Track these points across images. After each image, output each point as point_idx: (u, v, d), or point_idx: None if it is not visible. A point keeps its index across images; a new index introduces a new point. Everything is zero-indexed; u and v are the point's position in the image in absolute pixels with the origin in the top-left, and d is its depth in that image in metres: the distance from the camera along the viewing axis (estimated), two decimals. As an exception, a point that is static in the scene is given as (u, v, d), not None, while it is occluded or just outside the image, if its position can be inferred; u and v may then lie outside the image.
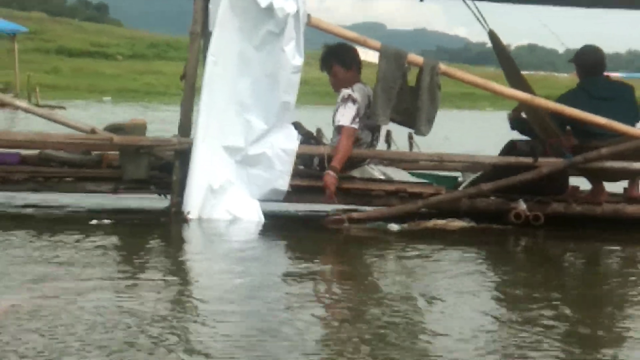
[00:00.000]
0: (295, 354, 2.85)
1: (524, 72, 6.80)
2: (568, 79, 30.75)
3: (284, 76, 5.55)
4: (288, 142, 5.62)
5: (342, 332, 3.18)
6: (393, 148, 6.44)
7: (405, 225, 5.41)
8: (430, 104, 5.54)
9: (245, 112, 5.61)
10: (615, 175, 5.82)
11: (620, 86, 6.09)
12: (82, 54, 46.82)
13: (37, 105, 22.43)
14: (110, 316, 3.14)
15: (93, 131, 6.02)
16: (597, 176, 5.83)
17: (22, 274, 3.79)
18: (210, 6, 5.64)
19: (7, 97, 7.85)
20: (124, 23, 78.01)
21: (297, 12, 5.48)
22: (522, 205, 5.48)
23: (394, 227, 5.37)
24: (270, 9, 5.45)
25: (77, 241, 4.68)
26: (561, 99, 5.93)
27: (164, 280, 3.90)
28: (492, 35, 6.23)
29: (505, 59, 6.23)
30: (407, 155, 5.93)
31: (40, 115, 6.51)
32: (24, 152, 6.10)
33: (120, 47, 50.70)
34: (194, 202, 5.46)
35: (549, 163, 5.52)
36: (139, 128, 6.07)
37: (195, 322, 3.22)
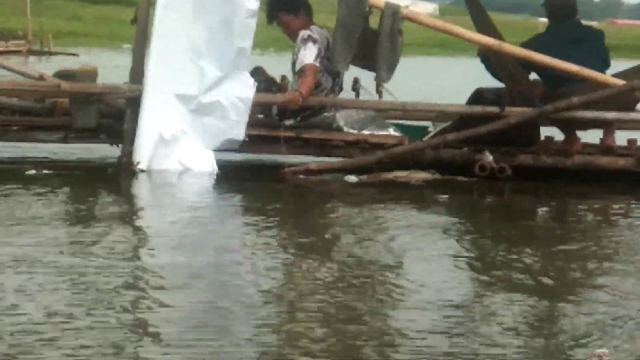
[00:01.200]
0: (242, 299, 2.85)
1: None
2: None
3: (238, 21, 5.24)
4: (244, 90, 5.33)
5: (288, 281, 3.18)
6: (363, 96, 6.17)
7: (365, 177, 5.17)
8: (391, 50, 5.26)
9: (199, 58, 5.32)
10: (587, 124, 5.54)
11: (591, 30, 5.82)
12: (104, 2, 46.13)
13: (49, 52, 22.60)
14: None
15: (41, 78, 5.76)
16: (569, 125, 5.55)
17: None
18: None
19: None
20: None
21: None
22: (488, 157, 5.21)
23: (351, 179, 5.13)
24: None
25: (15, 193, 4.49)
26: (526, 44, 5.64)
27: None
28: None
29: (472, 3, 5.89)
30: (369, 104, 5.62)
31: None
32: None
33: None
34: (144, 153, 5.20)
35: (517, 112, 5.24)
36: (90, 75, 5.77)
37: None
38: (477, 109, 5.37)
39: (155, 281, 3.05)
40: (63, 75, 5.80)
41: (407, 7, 5.88)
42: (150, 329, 2.57)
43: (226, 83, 5.32)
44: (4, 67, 6.02)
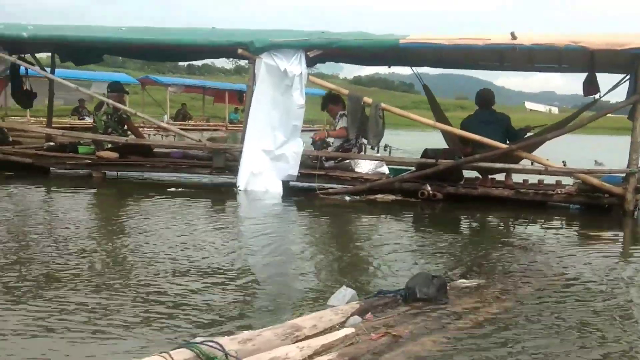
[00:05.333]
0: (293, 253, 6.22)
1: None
2: None
3: (294, 110, 9.57)
4: (297, 148, 9.62)
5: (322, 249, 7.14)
6: (392, 153, 10.30)
7: (357, 197, 9.16)
8: (375, 127, 9.28)
9: (274, 130, 9.68)
10: (490, 171, 9.18)
11: (500, 115, 9.43)
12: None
13: None
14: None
15: (200, 140, 10.44)
16: (481, 171, 9.26)
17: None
18: (254, 69, 9.76)
19: (157, 122, 12.57)
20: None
21: (301, 73, 9.47)
22: (428, 187, 9.03)
23: (347, 198, 9.15)
24: (286, 71, 9.48)
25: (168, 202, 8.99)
26: (462, 122, 9.41)
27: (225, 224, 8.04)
28: (426, 88, 9.92)
29: (433, 102, 9.83)
30: (366, 157, 9.73)
31: (174, 132, 11.12)
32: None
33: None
34: (242, 180, 9.61)
35: (444, 163, 9.04)
36: (223, 139, 10.41)
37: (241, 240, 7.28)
38: (422, 160, 9.25)
39: (248, 242, 6.72)
40: (210, 139, 10.47)
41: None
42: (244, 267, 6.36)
43: (288, 143, 9.63)
44: (181, 135, 10.81)
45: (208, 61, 76.78)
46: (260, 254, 5.63)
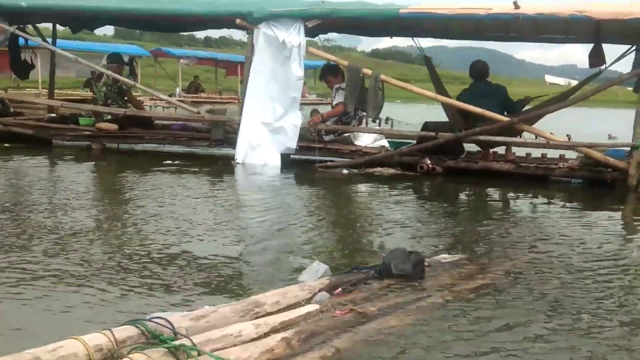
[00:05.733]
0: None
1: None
2: None
3: (292, 81, 9.41)
4: (296, 120, 9.47)
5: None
6: (394, 126, 10.13)
7: (356, 170, 9.02)
8: (375, 98, 9.09)
9: (273, 102, 9.53)
10: (490, 144, 8.99)
11: (496, 87, 9.21)
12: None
13: None
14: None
15: (199, 112, 10.31)
16: (481, 145, 9.08)
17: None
18: (252, 40, 9.59)
19: (157, 93, 12.44)
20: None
21: (300, 44, 9.29)
22: (427, 161, 8.86)
23: (344, 171, 9.00)
24: (284, 42, 9.30)
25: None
26: (458, 96, 9.21)
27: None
28: (427, 60, 9.70)
29: (433, 74, 9.61)
30: (366, 129, 9.57)
31: (174, 104, 11.02)
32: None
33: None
34: (240, 153, 9.49)
35: (444, 136, 8.86)
36: (221, 111, 10.30)
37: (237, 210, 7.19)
38: (422, 133, 9.08)
39: (248, 208, 6.62)
40: (209, 111, 10.35)
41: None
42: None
43: (286, 115, 9.48)
44: (182, 107, 10.69)
45: (225, 33, 76.54)
46: (251, 229, 5.57)
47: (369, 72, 9.22)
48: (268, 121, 9.51)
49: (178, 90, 28.81)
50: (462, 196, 8.07)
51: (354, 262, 4.49)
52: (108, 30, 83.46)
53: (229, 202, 6.73)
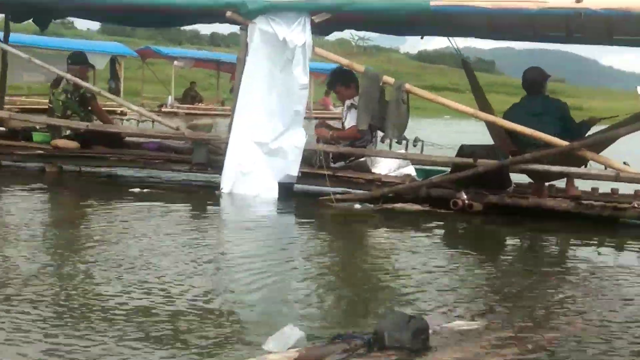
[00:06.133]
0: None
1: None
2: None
3: (295, 91, 9.28)
4: (298, 140, 9.33)
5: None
6: (426, 147, 9.97)
7: (371, 206, 8.83)
8: (397, 114, 8.92)
9: (271, 116, 9.40)
10: (545, 176, 8.76)
11: (554, 103, 8.99)
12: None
13: None
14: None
15: (178, 128, 10.21)
16: (534, 176, 8.85)
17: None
18: (245, 37, 9.48)
19: (122, 101, 12.36)
20: None
21: (304, 44, 9.18)
22: (462, 195, 8.65)
23: (357, 206, 8.81)
24: (285, 40, 9.19)
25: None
26: (505, 112, 9.01)
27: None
28: (465, 63, 9.52)
29: (473, 82, 9.43)
30: (384, 154, 9.40)
31: (148, 117, 10.96)
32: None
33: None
34: (227, 181, 9.35)
35: (484, 163, 8.66)
36: (207, 127, 10.20)
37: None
38: (457, 159, 8.88)
39: (230, 256, 6.38)
40: (191, 127, 10.28)
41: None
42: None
43: (287, 134, 9.34)
44: (157, 121, 10.62)
45: (235, 29, 77.12)
46: (239, 281, 5.42)
47: (390, 80, 9.07)
48: (263, 141, 9.38)
49: (170, 99, 28.99)
50: (503, 242, 7.86)
51: (353, 325, 4.34)
52: (93, 24, 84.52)
53: (208, 244, 6.62)
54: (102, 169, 10.54)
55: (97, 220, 7.59)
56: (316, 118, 11.77)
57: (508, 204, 8.70)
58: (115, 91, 31.90)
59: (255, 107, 9.43)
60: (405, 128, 9.08)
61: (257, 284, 5.30)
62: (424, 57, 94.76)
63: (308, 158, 9.37)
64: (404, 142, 9.43)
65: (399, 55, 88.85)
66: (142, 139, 10.99)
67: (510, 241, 7.91)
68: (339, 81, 9.83)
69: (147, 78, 32.61)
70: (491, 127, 9.18)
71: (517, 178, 9.37)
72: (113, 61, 29.48)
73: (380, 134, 9.57)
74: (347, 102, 9.58)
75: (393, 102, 8.95)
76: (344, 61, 9.64)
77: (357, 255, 6.73)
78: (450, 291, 5.40)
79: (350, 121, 9.48)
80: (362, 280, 5.76)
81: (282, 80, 9.33)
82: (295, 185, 9.52)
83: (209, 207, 8.84)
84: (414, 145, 10.26)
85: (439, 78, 61.82)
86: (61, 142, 10.33)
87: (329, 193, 9.09)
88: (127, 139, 11.08)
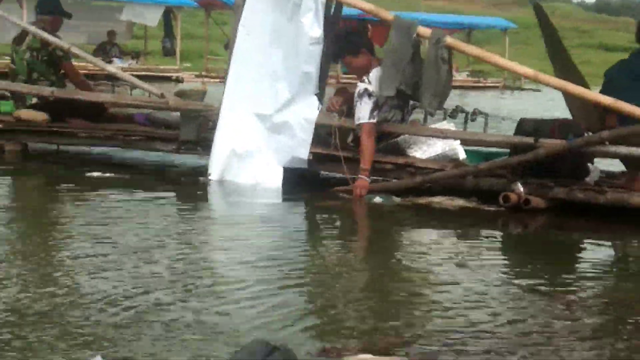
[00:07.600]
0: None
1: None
2: None
3: (303, 47, 7.41)
4: (309, 112, 7.47)
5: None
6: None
7: (398, 199, 7.01)
8: (435, 78, 6.99)
9: (275, 81, 7.57)
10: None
11: None
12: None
13: (520, 88, 30.40)
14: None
15: (162, 96, 8.43)
16: (628, 162, 6.87)
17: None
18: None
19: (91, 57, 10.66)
20: None
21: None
22: (519, 187, 6.74)
23: (377, 200, 7.00)
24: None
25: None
26: (606, 74, 7.02)
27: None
28: (538, 9, 7.50)
29: (549, 35, 7.42)
30: (415, 130, 7.50)
31: (127, 80, 9.23)
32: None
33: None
34: (216, 165, 7.57)
35: (547, 144, 6.69)
36: (198, 95, 8.43)
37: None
38: (514, 139, 6.96)
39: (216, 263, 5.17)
40: (178, 94, 8.50)
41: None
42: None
43: (294, 104, 7.50)
44: (138, 87, 8.88)
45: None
46: (212, 293, 4.45)
47: (427, 31, 7.13)
48: (264, 112, 7.60)
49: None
50: (561, 252, 6.18)
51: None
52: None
53: (188, 245, 5.54)
54: (71, 148, 9.00)
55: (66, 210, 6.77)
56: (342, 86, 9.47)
57: (580, 200, 6.76)
58: (171, 52, 30.13)
59: (254, 69, 7.66)
60: (447, 96, 7.21)
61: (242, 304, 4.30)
62: (605, 7, 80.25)
63: (323, 136, 7.50)
64: (461, 115, 7.59)
65: (570, 5, 77.04)
66: (133, 111, 9.27)
67: (568, 252, 6.25)
68: (344, 50, 7.82)
69: (212, 36, 30.25)
70: (569, 96, 7.18)
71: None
72: (167, 14, 27.50)
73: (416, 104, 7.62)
74: (360, 87, 7.49)
75: (431, 62, 7.03)
76: (366, 5, 7.60)
77: (371, 267, 5.34)
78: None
79: (363, 115, 7.35)
80: (367, 300, 4.54)
81: (288, 32, 7.47)
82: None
83: (195, 199, 7.32)
84: (472, 120, 8.32)
85: (622, 35, 52.52)
86: (25, 114, 8.67)
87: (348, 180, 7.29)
88: (115, 110, 9.36)
